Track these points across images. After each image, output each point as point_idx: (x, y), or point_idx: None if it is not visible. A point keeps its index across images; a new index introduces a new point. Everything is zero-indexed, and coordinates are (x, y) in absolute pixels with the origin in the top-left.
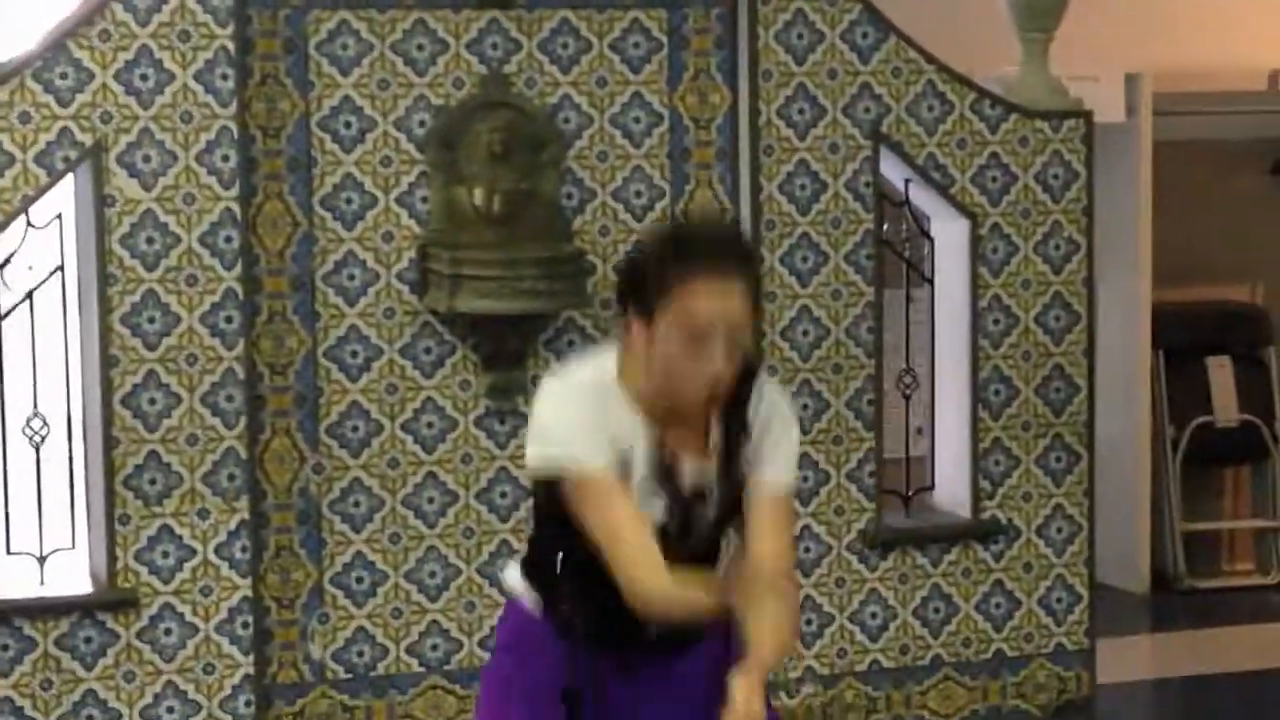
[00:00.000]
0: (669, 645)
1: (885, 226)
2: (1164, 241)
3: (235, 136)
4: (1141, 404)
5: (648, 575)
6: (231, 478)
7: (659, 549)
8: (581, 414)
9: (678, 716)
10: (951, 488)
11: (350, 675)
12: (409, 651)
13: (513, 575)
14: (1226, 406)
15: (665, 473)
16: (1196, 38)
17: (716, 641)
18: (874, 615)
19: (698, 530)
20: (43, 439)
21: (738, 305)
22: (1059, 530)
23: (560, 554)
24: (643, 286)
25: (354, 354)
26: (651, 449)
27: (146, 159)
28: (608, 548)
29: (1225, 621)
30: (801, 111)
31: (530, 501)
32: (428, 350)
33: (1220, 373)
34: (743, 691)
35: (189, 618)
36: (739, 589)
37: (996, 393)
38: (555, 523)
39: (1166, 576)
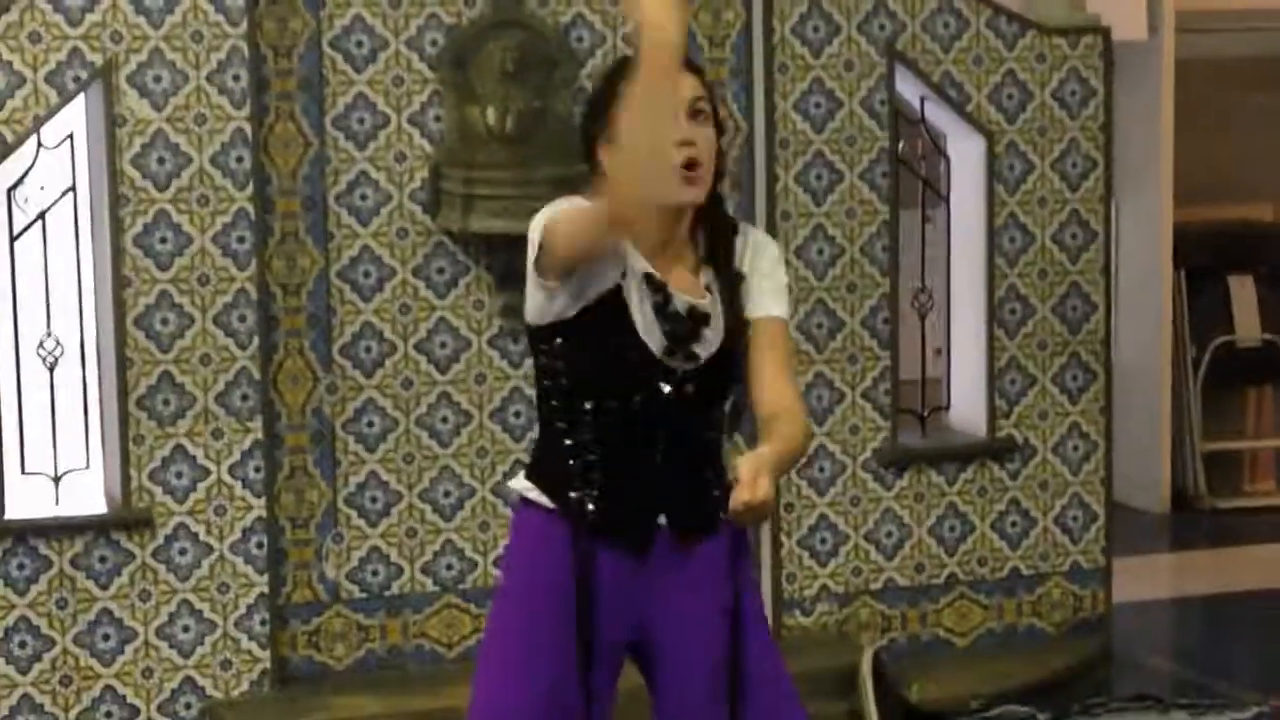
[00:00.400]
0: (678, 535)
1: (901, 144)
2: (1186, 160)
3: (246, 56)
4: (1162, 323)
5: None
6: (245, 398)
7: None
8: (575, 201)
9: (686, 608)
10: (967, 407)
11: (365, 594)
12: (423, 571)
13: (518, 480)
14: (1248, 326)
15: (657, 304)
16: None
17: (725, 538)
18: (889, 534)
19: (701, 362)
20: (56, 360)
21: (689, 81)
22: (1075, 449)
23: (566, 441)
24: (599, 108)
25: (367, 274)
26: (646, 277)
27: (157, 79)
28: (570, 213)
29: (1246, 541)
30: (816, 29)
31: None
32: (440, 270)
33: (1242, 292)
34: (749, 467)
35: (203, 537)
36: (762, 429)
37: (1013, 311)
38: (558, 394)
39: (1187, 496)
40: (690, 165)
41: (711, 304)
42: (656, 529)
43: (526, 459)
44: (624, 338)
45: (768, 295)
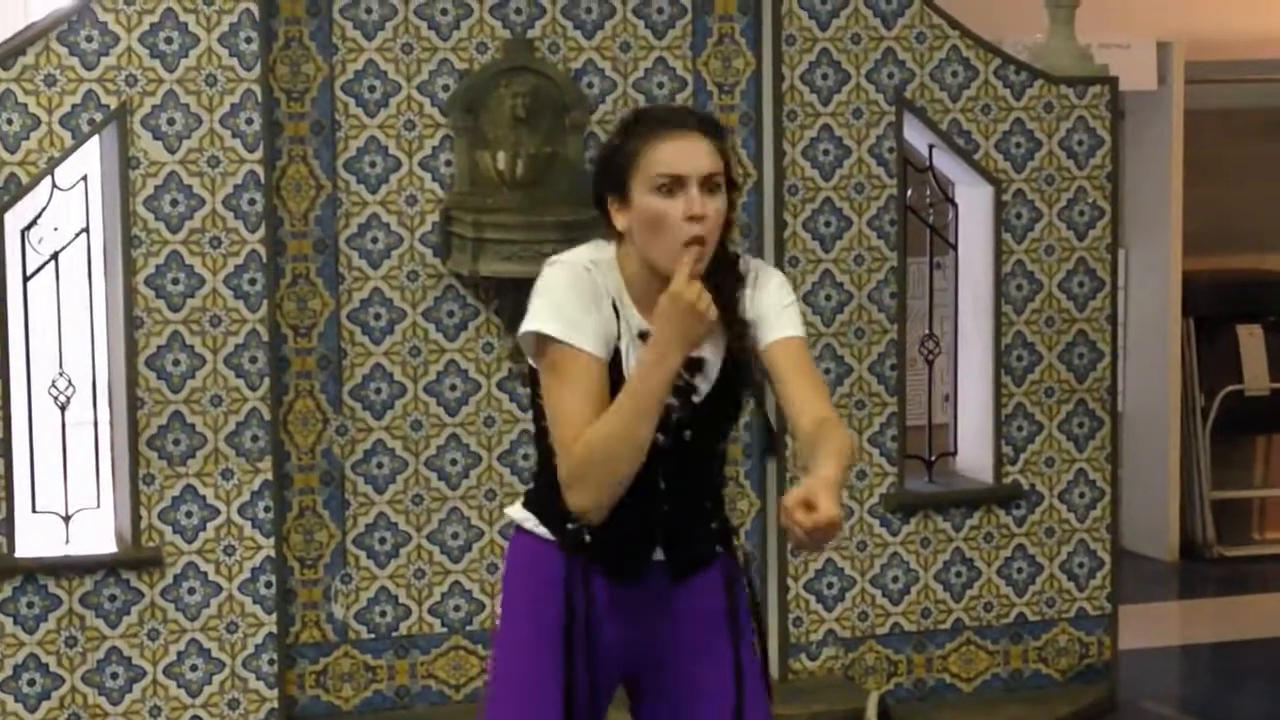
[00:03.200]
0: (673, 567)
1: (909, 192)
2: (1195, 210)
3: (259, 100)
4: (1171, 372)
5: (571, 448)
6: (255, 439)
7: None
8: (576, 295)
9: (679, 638)
10: (974, 453)
11: (373, 635)
12: (431, 612)
13: (515, 508)
14: (1257, 375)
15: None
16: (1229, 5)
17: (718, 571)
18: (895, 579)
19: (699, 410)
20: (68, 399)
21: (704, 151)
22: (1081, 495)
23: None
24: (612, 166)
25: (377, 316)
26: (643, 335)
27: (171, 122)
28: (554, 426)
29: (1254, 589)
30: (825, 77)
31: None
32: (450, 313)
33: (1251, 341)
34: (820, 493)
35: (212, 577)
36: (798, 447)
37: (1019, 358)
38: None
39: (1195, 545)
40: (695, 242)
41: (709, 349)
42: (652, 562)
43: None
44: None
45: (781, 319)
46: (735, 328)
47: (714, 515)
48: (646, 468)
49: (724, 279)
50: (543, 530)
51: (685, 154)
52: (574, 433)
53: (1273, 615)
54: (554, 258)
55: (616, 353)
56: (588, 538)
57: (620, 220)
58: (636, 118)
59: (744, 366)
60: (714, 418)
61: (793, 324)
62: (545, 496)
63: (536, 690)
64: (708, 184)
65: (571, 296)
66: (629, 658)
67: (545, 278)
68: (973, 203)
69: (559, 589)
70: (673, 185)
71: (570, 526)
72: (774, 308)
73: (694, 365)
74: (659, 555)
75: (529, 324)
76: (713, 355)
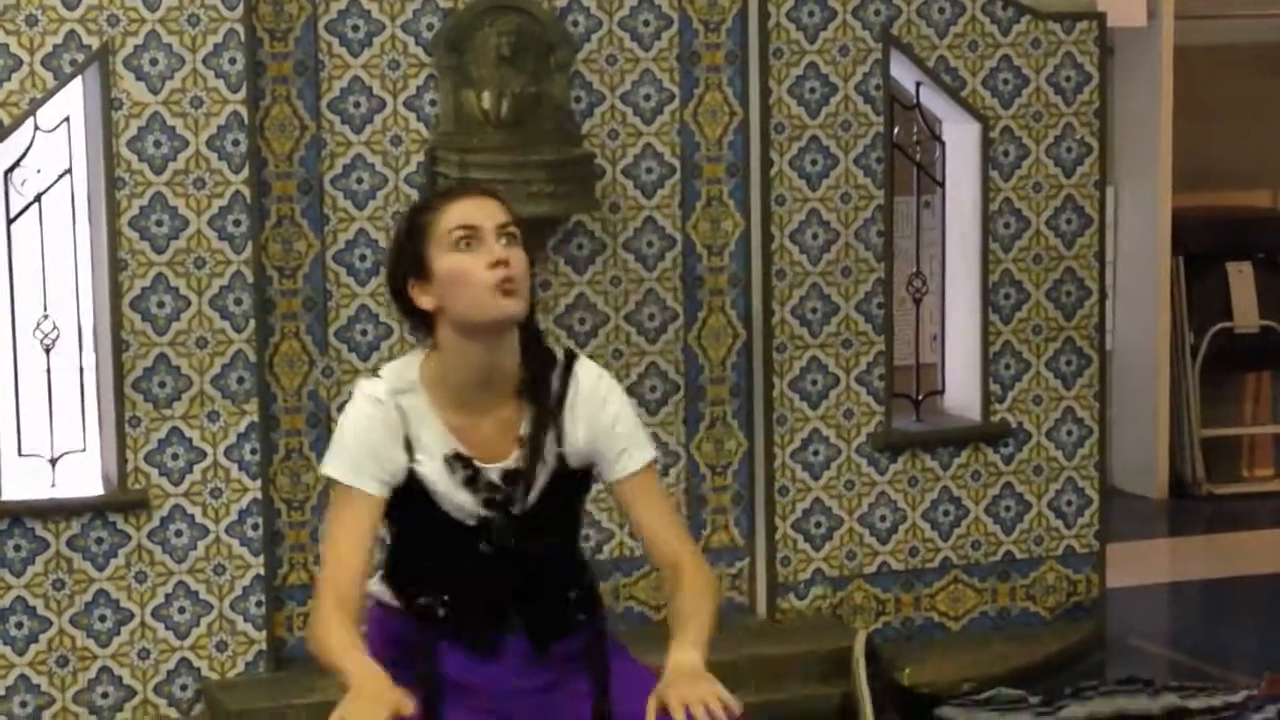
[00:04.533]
0: (535, 634)
1: (896, 130)
2: (1185, 147)
3: (242, 39)
4: (1161, 310)
5: (321, 610)
6: (241, 381)
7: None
8: (363, 435)
9: (541, 707)
10: (961, 391)
11: None
12: None
13: (374, 580)
14: (1246, 312)
15: (466, 479)
16: None
17: (582, 635)
18: (883, 518)
19: (523, 518)
20: (53, 342)
21: (495, 208)
22: (1069, 433)
23: (417, 558)
24: (406, 249)
25: (362, 257)
26: (450, 457)
27: (154, 62)
28: (321, 563)
29: (1243, 526)
30: (811, 14)
31: None
32: None
33: (1240, 278)
34: (696, 687)
35: (199, 519)
36: (663, 583)
37: (1007, 296)
38: (401, 530)
39: (1185, 483)
40: (507, 281)
41: (525, 456)
42: (508, 637)
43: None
44: (432, 513)
45: (625, 448)
46: (546, 417)
47: (573, 584)
48: (491, 565)
49: (535, 353)
50: (396, 602)
51: (475, 209)
52: (331, 572)
53: (1261, 552)
54: (362, 380)
55: (414, 477)
56: (441, 612)
57: (427, 300)
58: (417, 201)
59: (578, 474)
60: (545, 522)
61: (640, 449)
62: (399, 568)
63: None
64: (504, 233)
65: (356, 438)
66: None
67: (345, 411)
68: (960, 140)
69: (413, 655)
70: (470, 239)
71: (423, 601)
72: (608, 432)
73: (511, 476)
74: (516, 628)
75: (324, 462)
76: (536, 460)
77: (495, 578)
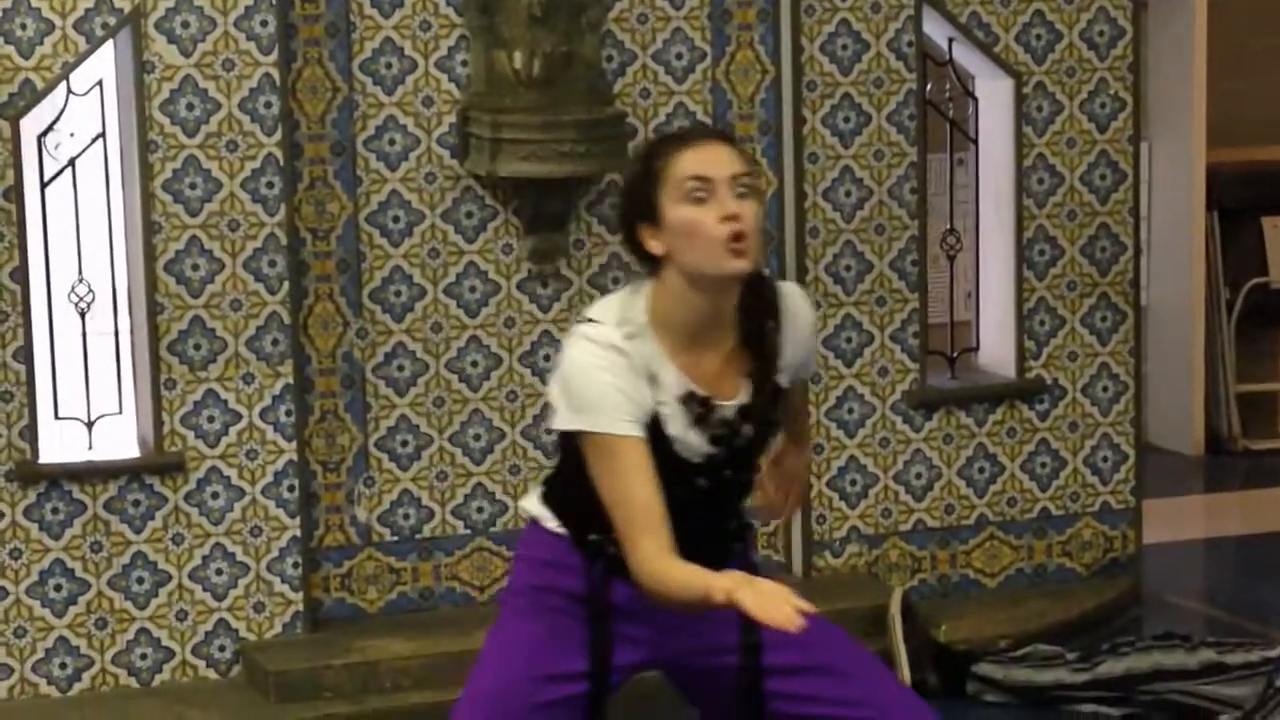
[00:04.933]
0: (704, 562)
1: (929, 86)
2: (1220, 102)
3: (274, 2)
4: (1196, 265)
5: (651, 555)
6: (275, 343)
7: (685, 502)
8: (610, 378)
9: (696, 639)
10: (996, 348)
11: (396, 538)
12: (454, 514)
13: (533, 503)
14: None
15: (700, 417)
16: None
17: (738, 559)
18: (919, 475)
19: (741, 449)
20: (88, 305)
21: (729, 157)
22: (1105, 389)
23: (592, 492)
24: (638, 192)
25: (395, 219)
26: (685, 397)
27: (185, 25)
28: (617, 517)
29: (1279, 482)
30: None
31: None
32: (469, 214)
33: (1276, 233)
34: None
35: (235, 481)
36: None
37: (1041, 253)
38: (580, 467)
39: (1220, 438)
40: (737, 238)
41: (755, 391)
42: None
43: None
44: (662, 450)
45: (808, 365)
46: (767, 365)
47: (738, 532)
48: (683, 503)
49: (759, 304)
50: (563, 530)
51: (710, 158)
52: (642, 519)
53: None
54: (581, 328)
55: (655, 419)
56: (611, 549)
57: (656, 245)
58: (656, 140)
59: (778, 399)
60: (753, 452)
61: (811, 365)
62: (569, 500)
63: (532, 652)
64: (737, 185)
65: (607, 386)
66: (648, 651)
67: (571, 360)
68: (993, 96)
69: (579, 580)
70: (703, 190)
71: (593, 537)
72: (806, 347)
73: (744, 411)
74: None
75: (562, 421)
76: (765, 395)
77: (700, 512)
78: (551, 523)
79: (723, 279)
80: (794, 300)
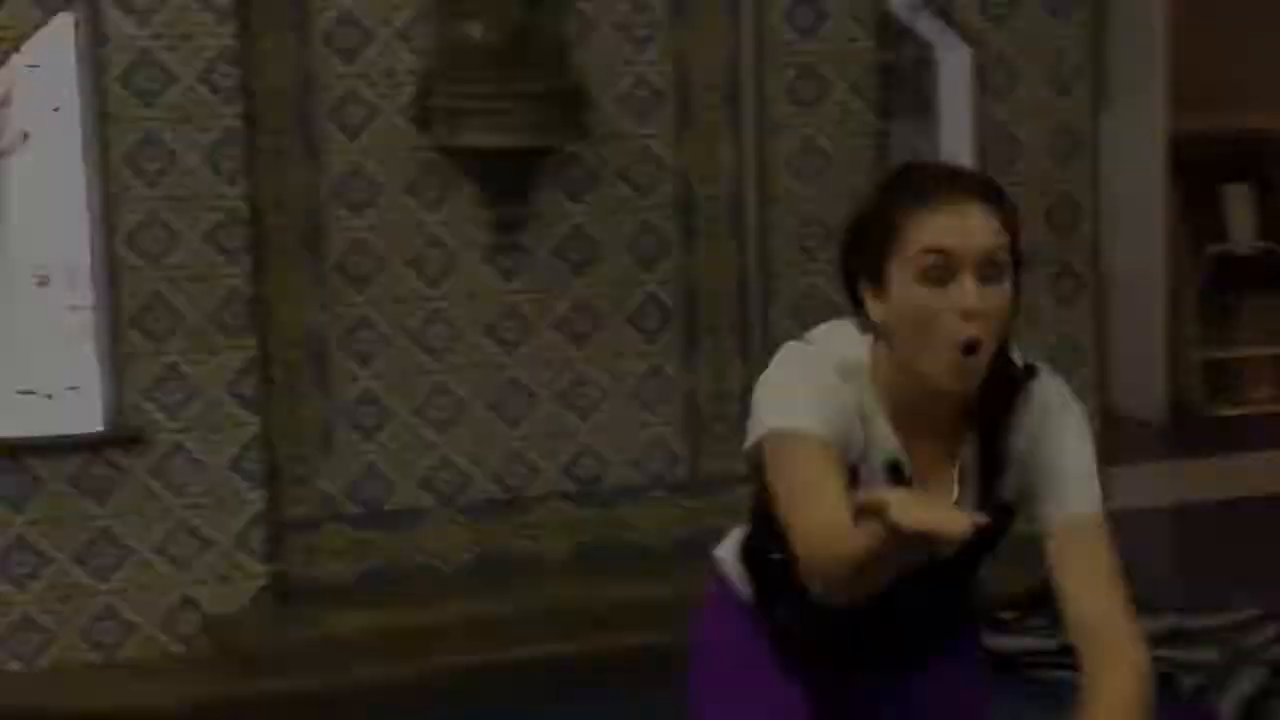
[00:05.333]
0: (893, 663)
1: (890, 54)
2: (1183, 67)
3: None
4: (1158, 233)
5: (820, 541)
6: (236, 315)
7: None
8: (818, 383)
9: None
10: None
11: (362, 509)
12: (420, 485)
13: (730, 555)
14: (1245, 233)
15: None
16: None
17: (946, 661)
18: None
19: (934, 567)
20: (48, 278)
21: (983, 225)
22: (1067, 357)
23: (776, 577)
24: (864, 243)
25: (357, 190)
26: (890, 465)
27: None
28: (790, 513)
29: (1245, 448)
30: None
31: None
32: (430, 186)
33: (1239, 199)
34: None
35: (199, 454)
36: (1078, 653)
37: None
38: (774, 540)
39: (1185, 405)
40: (970, 349)
41: (962, 495)
42: (869, 658)
43: (522, 378)
44: None
45: (1068, 484)
46: (996, 459)
47: (953, 630)
48: (866, 621)
49: (996, 401)
50: (748, 594)
51: (958, 225)
52: (819, 506)
53: (1263, 473)
54: (804, 347)
55: (855, 474)
56: (796, 628)
57: (876, 310)
58: (898, 178)
59: (1002, 521)
60: (958, 567)
61: (1083, 493)
62: (758, 572)
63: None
64: (986, 267)
65: (819, 396)
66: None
67: (786, 369)
68: (953, 64)
69: (767, 640)
70: (942, 268)
71: (780, 610)
72: (1065, 458)
73: None
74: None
75: (751, 434)
76: (978, 501)
77: (885, 611)
78: (740, 580)
79: (940, 391)
80: (1043, 396)
